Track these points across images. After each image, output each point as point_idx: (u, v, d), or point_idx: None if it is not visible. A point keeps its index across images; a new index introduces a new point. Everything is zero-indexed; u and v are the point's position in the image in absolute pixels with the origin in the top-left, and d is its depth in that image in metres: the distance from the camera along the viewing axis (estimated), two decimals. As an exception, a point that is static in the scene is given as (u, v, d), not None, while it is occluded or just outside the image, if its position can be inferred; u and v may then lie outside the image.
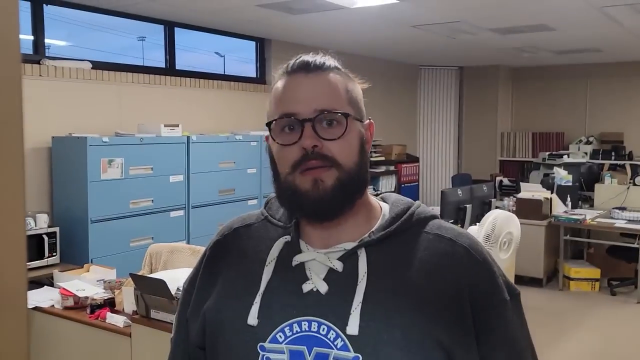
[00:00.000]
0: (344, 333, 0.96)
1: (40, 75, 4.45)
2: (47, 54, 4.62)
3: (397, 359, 0.95)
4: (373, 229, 1.05)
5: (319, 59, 1.05)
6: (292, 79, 1.04)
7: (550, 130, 8.83)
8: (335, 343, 0.96)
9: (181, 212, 4.90)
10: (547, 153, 8.25)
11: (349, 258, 1.02)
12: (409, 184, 8.09)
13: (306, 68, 1.04)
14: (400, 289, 0.98)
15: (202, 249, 1.21)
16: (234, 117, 6.04)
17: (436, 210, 5.11)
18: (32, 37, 4.56)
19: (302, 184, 1.00)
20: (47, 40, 4.65)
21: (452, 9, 4.96)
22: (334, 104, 1.02)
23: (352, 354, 0.95)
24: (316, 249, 1.04)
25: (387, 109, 8.25)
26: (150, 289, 2.71)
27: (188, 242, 4.79)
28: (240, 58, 6.77)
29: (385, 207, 1.10)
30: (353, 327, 0.96)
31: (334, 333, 0.97)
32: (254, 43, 6.53)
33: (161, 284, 2.64)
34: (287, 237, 1.07)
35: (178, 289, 2.51)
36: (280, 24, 5.48)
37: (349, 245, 1.03)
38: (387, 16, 5.18)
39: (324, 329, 0.97)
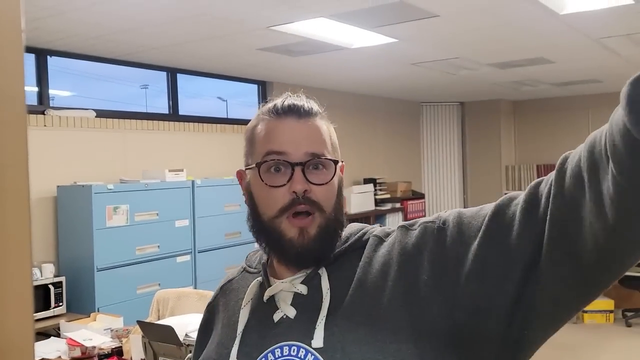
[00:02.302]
0: (311, 347, 0.98)
1: (45, 126, 4.48)
2: (51, 105, 4.66)
3: (368, 352, 0.95)
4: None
5: (306, 104, 1.08)
6: (282, 123, 1.06)
7: (554, 162, 8.57)
8: (306, 359, 0.98)
9: (187, 257, 4.87)
10: (553, 185, 8.21)
11: (312, 280, 1.05)
12: (415, 221, 8.04)
13: (297, 113, 1.06)
14: (359, 291, 1.00)
15: (210, 293, 1.26)
16: (238, 160, 5.93)
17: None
18: (36, 89, 4.61)
19: (288, 231, 1.03)
20: (51, 91, 4.70)
21: (451, 46, 5.01)
22: (322, 149, 1.06)
23: None
24: (282, 280, 1.08)
25: (390, 147, 8.27)
26: (158, 336, 2.67)
27: (195, 287, 4.74)
28: (243, 102, 6.82)
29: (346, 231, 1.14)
30: (318, 340, 0.98)
31: (303, 350, 0.99)
32: (255, 86, 6.60)
33: (169, 330, 2.60)
34: (260, 279, 1.11)
35: (186, 334, 2.48)
36: (281, 66, 5.54)
37: (309, 268, 1.06)
38: (387, 55, 5.23)
39: (293, 349, 1.00)
